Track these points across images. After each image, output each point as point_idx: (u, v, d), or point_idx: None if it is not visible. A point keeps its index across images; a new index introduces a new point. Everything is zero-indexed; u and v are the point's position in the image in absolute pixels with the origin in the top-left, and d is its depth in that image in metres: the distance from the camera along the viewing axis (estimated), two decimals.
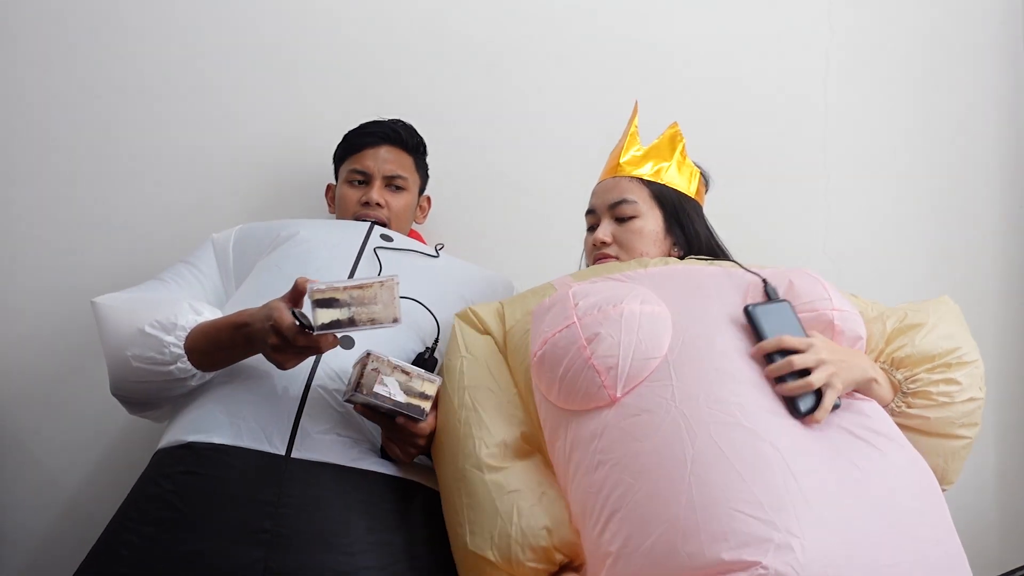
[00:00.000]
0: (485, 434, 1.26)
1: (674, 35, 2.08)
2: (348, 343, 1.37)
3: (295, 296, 1.27)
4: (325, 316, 1.20)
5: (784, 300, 1.24)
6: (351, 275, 1.50)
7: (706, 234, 1.51)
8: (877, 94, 2.09)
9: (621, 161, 1.52)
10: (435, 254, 1.65)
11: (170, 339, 1.36)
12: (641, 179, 1.50)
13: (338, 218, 1.75)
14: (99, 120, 1.92)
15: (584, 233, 1.57)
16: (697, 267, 1.36)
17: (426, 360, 1.40)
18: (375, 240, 1.59)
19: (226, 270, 1.59)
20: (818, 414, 1.12)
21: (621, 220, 1.47)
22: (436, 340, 1.44)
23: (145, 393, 1.42)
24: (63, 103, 1.92)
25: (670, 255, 1.48)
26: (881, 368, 1.26)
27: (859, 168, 2.07)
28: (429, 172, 1.84)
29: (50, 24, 1.93)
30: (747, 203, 2.01)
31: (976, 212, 2.09)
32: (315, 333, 1.21)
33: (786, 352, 1.16)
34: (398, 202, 1.72)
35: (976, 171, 2.10)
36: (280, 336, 1.24)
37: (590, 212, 1.54)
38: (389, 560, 1.27)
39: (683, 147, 1.53)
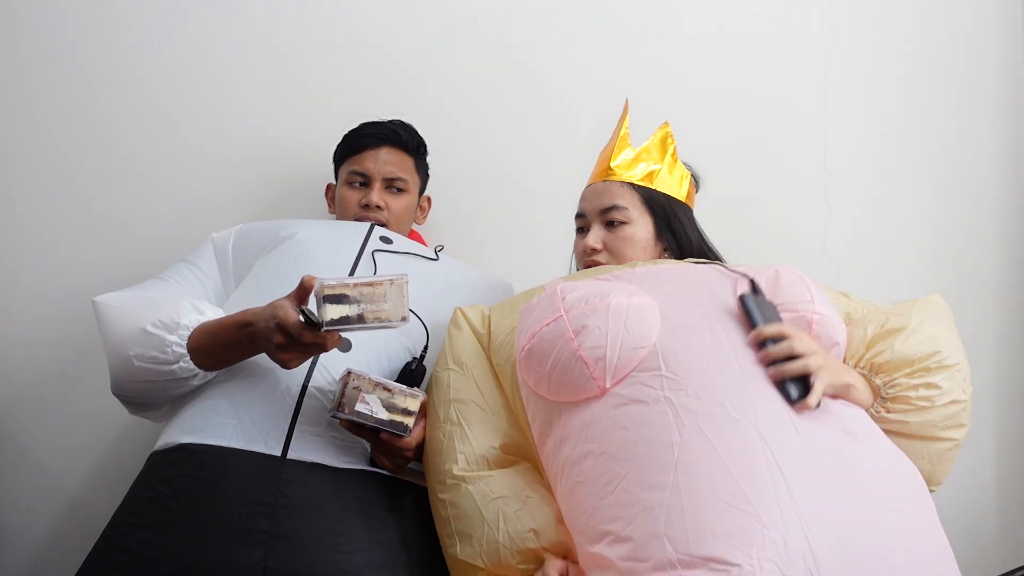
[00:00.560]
0: (468, 448, 1.27)
1: (674, 35, 2.07)
2: (346, 345, 1.37)
3: (301, 294, 1.26)
4: (334, 312, 1.20)
5: (770, 301, 1.25)
6: (350, 276, 1.50)
7: (697, 238, 1.50)
8: (877, 94, 2.09)
9: (612, 165, 1.50)
10: (434, 257, 1.64)
11: (173, 338, 1.36)
12: (632, 184, 1.48)
13: (338, 219, 1.75)
14: (99, 120, 1.93)
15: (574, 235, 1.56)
16: (685, 265, 1.37)
17: (413, 370, 1.40)
18: (375, 242, 1.59)
19: (226, 269, 1.59)
20: (811, 399, 1.12)
21: (611, 225, 1.47)
22: (425, 348, 1.44)
23: (146, 393, 1.42)
24: (64, 103, 1.92)
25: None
26: (860, 373, 1.26)
27: (859, 168, 2.07)
28: (429, 172, 1.84)
29: (51, 24, 1.93)
30: (747, 203, 2.01)
31: (976, 212, 2.09)
32: (323, 329, 1.21)
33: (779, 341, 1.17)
34: (398, 204, 1.72)
35: (976, 171, 2.10)
36: (285, 334, 1.24)
37: (580, 216, 1.53)
38: (388, 557, 1.28)
39: (674, 149, 1.52)
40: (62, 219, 1.90)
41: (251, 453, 1.29)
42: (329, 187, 1.85)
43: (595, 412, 1.17)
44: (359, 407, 1.25)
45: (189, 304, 1.41)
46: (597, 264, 1.47)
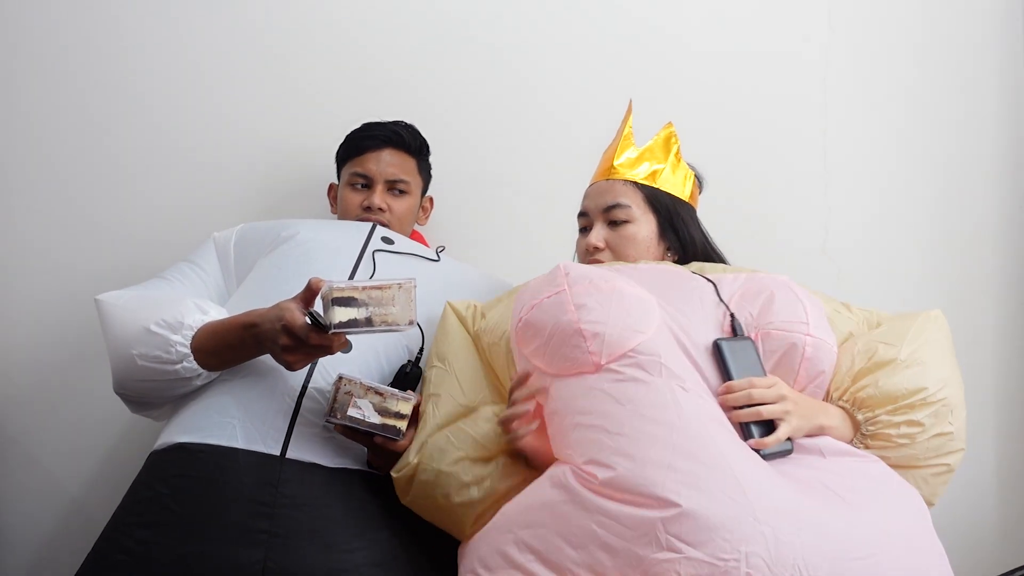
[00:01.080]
0: (424, 435, 1.29)
1: (674, 36, 2.07)
2: (348, 348, 1.37)
3: (308, 296, 1.27)
4: (343, 315, 1.20)
5: (748, 338, 1.24)
6: (351, 277, 1.50)
7: (700, 238, 1.50)
8: (877, 94, 2.09)
9: (615, 163, 1.50)
10: (436, 258, 1.65)
11: (176, 338, 1.36)
12: (635, 183, 1.48)
13: (340, 219, 1.75)
14: (100, 120, 1.93)
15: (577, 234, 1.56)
16: (686, 272, 1.37)
17: (408, 373, 1.40)
18: (376, 242, 1.59)
19: (227, 269, 1.59)
20: (768, 438, 1.13)
21: (614, 224, 1.47)
22: (421, 350, 1.44)
23: (148, 392, 1.43)
24: (64, 103, 1.92)
25: (663, 260, 1.48)
26: (841, 406, 1.25)
27: (859, 168, 2.07)
28: (432, 173, 1.84)
29: (49, 26, 1.93)
30: (747, 203, 2.01)
31: (976, 212, 2.09)
32: (331, 332, 1.21)
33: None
34: (400, 206, 1.72)
35: (976, 171, 2.10)
36: (292, 336, 1.25)
37: (583, 215, 1.53)
38: (387, 556, 1.28)
39: (678, 149, 1.52)
40: (62, 219, 1.90)
41: (250, 452, 1.29)
42: (331, 187, 1.85)
43: (589, 384, 1.17)
44: (351, 412, 1.26)
45: (193, 304, 1.41)
46: (599, 263, 1.46)
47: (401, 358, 1.43)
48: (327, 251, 1.54)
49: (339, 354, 1.34)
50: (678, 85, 2.05)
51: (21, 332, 1.87)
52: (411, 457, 1.26)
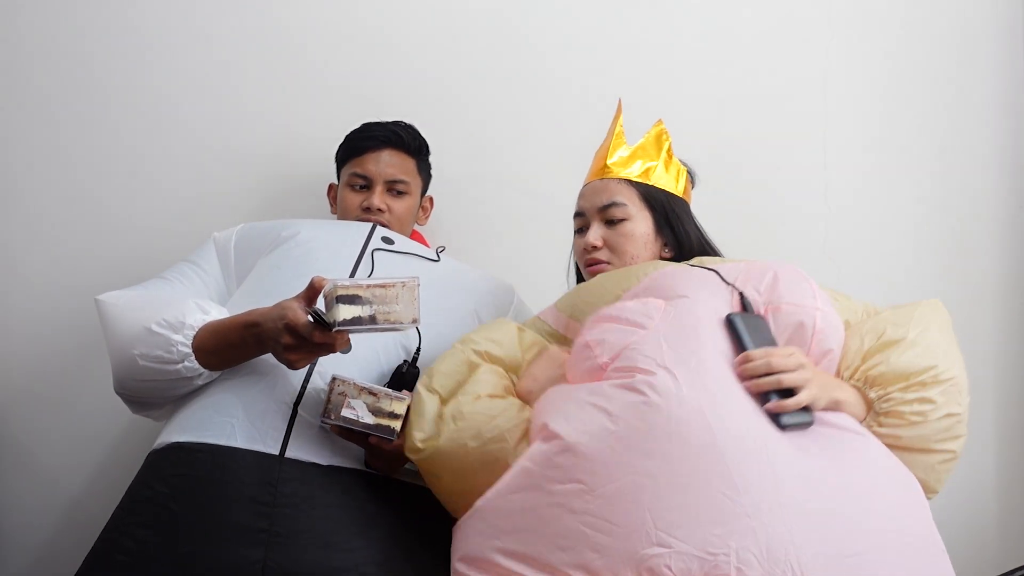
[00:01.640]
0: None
1: (675, 36, 2.08)
2: (348, 347, 1.37)
3: (310, 295, 1.27)
4: (347, 312, 1.20)
5: (759, 315, 1.24)
6: (351, 277, 1.50)
7: (696, 233, 1.51)
8: (877, 93, 2.09)
9: (608, 163, 1.51)
10: (436, 258, 1.65)
11: (178, 338, 1.36)
12: (630, 180, 1.49)
13: (339, 220, 1.75)
14: (100, 119, 1.93)
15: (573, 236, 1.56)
16: (683, 266, 1.37)
17: (404, 373, 1.40)
18: (376, 242, 1.59)
19: (228, 269, 1.60)
20: (788, 401, 1.13)
21: (611, 223, 1.47)
22: (418, 351, 1.44)
23: (149, 392, 1.43)
24: (65, 103, 1.93)
25: (661, 256, 1.49)
26: (854, 386, 1.25)
27: (859, 168, 2.07)
28: (431, 173, 1.84)
29: (52, 24, 1.94)
30: (747, 202, 2.01)
31: (976, 211, 2.09)
32: (335, 329, 1.21)
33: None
34: (400, 206, 1.72)
35: (976, 170, 2.10)
36: (295, 335, 1.25)
37: (579, 215, 1.53)
38: (386, 555, 1.28)
39: (669, 146, 1.53)
40: (62, 218, 1.90)
41: (249, 452, 1.29)
42: (331, 187, 1.85)
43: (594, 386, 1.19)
44: (345, 412, 1.26)
45: (194, 304, 1.41)
46: (598, 262, 1.47)
47: (398, 357, 1.43)
48: (327, 251, 1.54)
49: (338, 354, 1.33)
50: (678, 85, 2.05)
51: (21, 332, 1.88)
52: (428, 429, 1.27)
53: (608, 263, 1.47)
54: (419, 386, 1.30)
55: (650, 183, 1.49)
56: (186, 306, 1.40)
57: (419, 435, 1.25)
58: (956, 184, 2.09)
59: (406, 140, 1.74)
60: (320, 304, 1.26)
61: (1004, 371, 2.04)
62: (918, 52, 2.11)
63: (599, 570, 1.03)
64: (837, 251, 2.03)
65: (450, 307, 1.54)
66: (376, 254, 1.55)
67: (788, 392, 1.14)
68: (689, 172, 1.57)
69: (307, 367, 1.35)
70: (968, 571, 1.87)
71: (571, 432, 1.12)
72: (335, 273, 1.46)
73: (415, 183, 1.76)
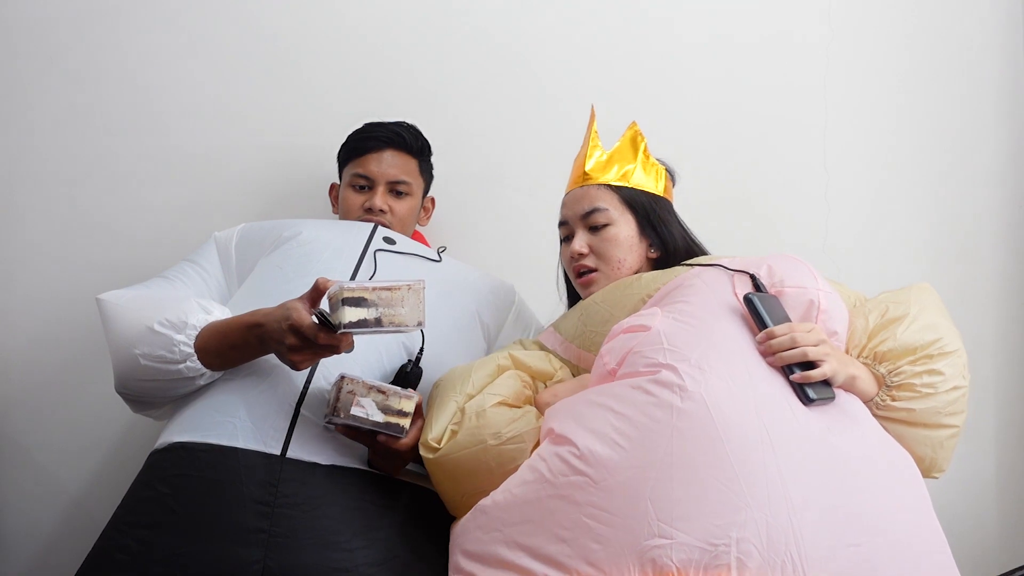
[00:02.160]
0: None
1: (675, 37, 2.08)
2: (352, 348, 1.37)
3: (315, 296, 1.27)
4: (353, 315, 1.20)
5: (773, 295, 1.26)
6: (352, 277, 1.50)
7: (680, 232, 1.52)
8: (877, 94, 2.10)
9: (586, 169, 1.51)
10: (437, 258, 1.65)
11: (180, 338, 1.36)
12: (609, 185, 1.50)
13: (341, 220, 1.75)
14: (101, 119, 1.93)
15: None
16: (687, 271, 1.38)
17: (408, 373, 1.40)
18: (378, 242, 1.59)
19: (229, 269, 1.59)
20: (813, 372, 1.16)
21: (595, 229, 1.48)
22: (421, 351, 1.44)
23: (151, 391, 1.42)
24: (65, 102, 1.93)
25: (647, 257, 1.50)
26: (863, 363, 1.27)
27: (859, 167, 2.07)
28: (434, 172, 1.84)
29: (51, 24, 1.93)
30: (747, 203, 2.01)
31: (976, 211, 2.09)
32: (340, 332, 1.21)
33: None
34: (401, 207, 1.72)
35: (976, 170, 2.10)
36: (299, 336, 1.25)
37: (563, 224, 1.54)
38: (386, 556, 1.28)
39: (645, 146, 1.53)
40: (62, 218, 1.90)
41: (251, 452, 1.29)
42: (333, 186, 1.85)
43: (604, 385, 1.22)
44: (354, 411, 1.26)
45: (197, 303, 1.41)
46: (586, 268, 1.48)
47: (401, 357, 1.43)
48: (329, 251, 1.54)
49: (342, 354, 1.34)
50: (678, 84, 2.05)
51: (21, 332, 1.87)
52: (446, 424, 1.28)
53: (596, 269, 1.48)
54: (447, 390, 1.33)
55: (630, 185, 1.50)
56: (189, 306, 1.40)
57: (436, 429, 1.27)
58: (956, 184, 2.09)
59: (408, 141, 1.74)
60: (324, 305, 1.26)
61: (1004, 370, 2.05)
62: (918, 52, 2.11)
63: (601, 561, 1.04)
64: (837, 250, 2.03)
65: (452, 307, 1.54)
66: (378, 254, 1.55)
67: (810, 366, 1.17)
68: (668, 171, 1.57)
69: (310, 370, 1.35)
70: (969, 571, 1.88)
71: (578, 432, 1.13)
72: (337, 273, 1.46)
73: (417, 184, 1.76)
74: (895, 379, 1.25)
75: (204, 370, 1.37)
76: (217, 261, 1.60)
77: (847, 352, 1.29)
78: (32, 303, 1.88)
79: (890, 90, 2.10)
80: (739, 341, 1.20)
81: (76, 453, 1.87)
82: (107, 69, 1.94)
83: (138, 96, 1.94)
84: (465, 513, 1.24)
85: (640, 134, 1.53)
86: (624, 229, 1.48)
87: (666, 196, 1.54)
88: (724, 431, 1.07)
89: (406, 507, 1.35)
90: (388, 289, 1.21)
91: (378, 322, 1.21)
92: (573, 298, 1.60)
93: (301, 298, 1.28)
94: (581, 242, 1.48)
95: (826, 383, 1.17)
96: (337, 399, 1.26)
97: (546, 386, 1.37)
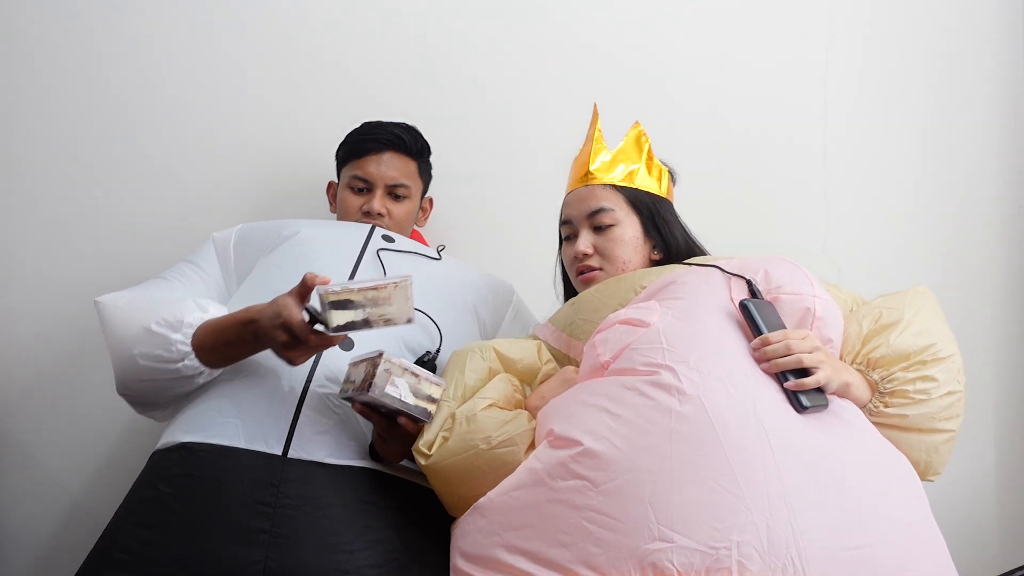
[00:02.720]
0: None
1: (676, 37, 2.08)
2: (348, 344, 1.37)
3: (303, 291, 1.27)
4: (340, 318, 1.20)
5: (768, 302, 1.26)
6: (351, 276, 1.50)
7: (682, 233, 1.51)
8: (877, 94, 2.10)
9: (591, 169, 1.50)
10: (437, 256, 1.65)
11: (177, 336, 1.36)
12: (614, 185, 1.49)
13: (339, 219, 1.75)
14: (100, 119, 1.93)
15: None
16: (680, 269, 1.38)
17: (425, 363, 1.40)
18: (377, 241, 1.59)
19: (227, 269, 1.59)
20: (808, 379, 1.15)
21: (600, 229, 1.47)
22: (439, 347, 1.44)
23: (152, 391, 1.43)
24: (65, 103, 1.93)
25: (651, 258, 1.49)
26: (857, 369, 1.27)
27: (859, 168, 2.07)
28: (432, 173, 1.83)
29: (52, 24, 1.93)
30: (747, 203, 2.01)
31: (976, 212, 2.09)
32: (330, 334, 1.21)
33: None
34: (400, 210, 1.72)
35: (976, 170, 2.10)
36: (291, 334, 1.25)
37: (566, 223, 1.53)
38: (387, 557, 1.28)
39: (650, 147, 1.52)
40: (62, 218, 1.90)
41: (252, 452, 1.29)
42: (330, 185, 1.84)
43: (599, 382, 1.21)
44: (389, 389, 1.23)
45: (193, 302, 1.41)
46: (590, 269, 1.47)
47: (401, 356, 1.43)
48: (328, 250, 1.54)
49: (340, 351, 1.35)
50: (679, 85, 2.05)
51: (21, 332, 1.87)
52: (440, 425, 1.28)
53: (600, 269, 1.47)
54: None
55: (635, 186, 1.49)
56: (185, 305, 1.40)
57: (428, 435, 1.26)
58: (956, 184, 2.09)
59: (408, 143, 1.73)
60: (315, 301, 1.25)
61: (1004, 370, 2.05)
62: (918, 51, 2.11)
63: (601, 565, 1.04)
64: (837, 250, 2.03)
65: (452, 304, 1.55)
66: (381, 253, 1.55)
67: (804, 373, 1.16)
68: (670, 172, 1.57)
69: (310, 369, 1.35)
70: (969, 571, 1.88)
71: (576, 434, 1.13)
72: (336, 272, 1.47)
73: (415, 186, 1.76)
74: (888, 386, 1.24)
75: (203, 368, 1.37)
76: (216, 261, 1.60)
77: (841, 358, 1.29)
78: (33, 303, 1.88)
79: (890, 90, 2.10)
80: (736, 344, 1.20)
81: (76, 453, 1.86)
82: (106, 70, 1.94)
83: (137, 97, 1.94)
84: (463, 513, 1.24)
85: (644, 134, 1.53)
86: (629, 230, 1.47)
87: (668, 197, 1.54)
88: (723, 434, 1.07)
89: (407, 508, 1.35)
90: (375, 288, 1.20)
91: (366, 323, 1.21)
92: (570, 297, 1.60)
93: (290, 293, 1.28)
94: (586, 242, 1.47)
95: (820, 390, 1.17)
96: (373, 375, 1.23)
97: (532, 389, 1.37)
